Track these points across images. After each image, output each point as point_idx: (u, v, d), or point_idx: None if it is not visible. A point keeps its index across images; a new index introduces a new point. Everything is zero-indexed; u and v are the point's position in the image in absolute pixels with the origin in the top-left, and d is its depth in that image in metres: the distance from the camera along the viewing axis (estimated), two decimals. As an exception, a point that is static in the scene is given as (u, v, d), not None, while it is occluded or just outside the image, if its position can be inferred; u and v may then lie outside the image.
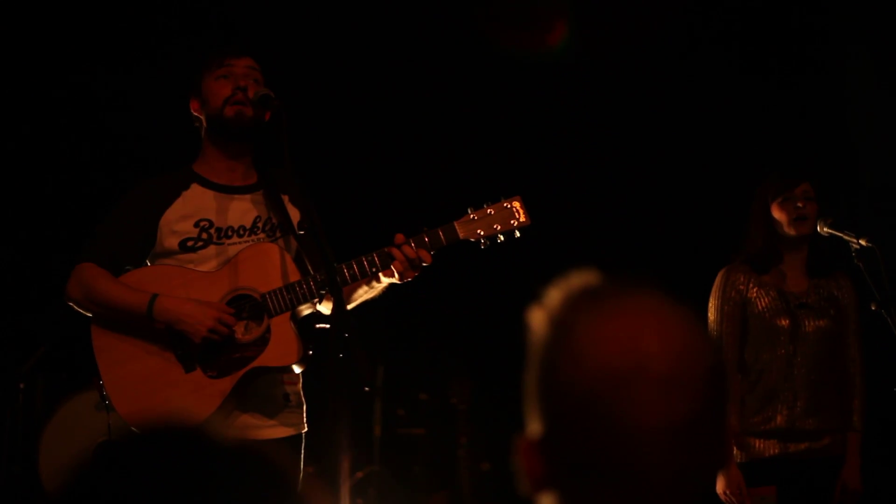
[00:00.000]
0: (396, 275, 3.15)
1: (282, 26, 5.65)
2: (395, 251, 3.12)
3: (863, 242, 3.80)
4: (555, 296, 1.15)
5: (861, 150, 5.60)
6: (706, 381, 1.09)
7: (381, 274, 3.17)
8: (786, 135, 5.70)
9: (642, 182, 5.89)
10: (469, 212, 3.21)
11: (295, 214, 3.31)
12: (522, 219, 3.22)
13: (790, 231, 3.93)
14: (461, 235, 3.19)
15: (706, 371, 1.09)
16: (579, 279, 1.16)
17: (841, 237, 3.87)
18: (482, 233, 3.19)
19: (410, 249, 3.13)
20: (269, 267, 3.16)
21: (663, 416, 1.06)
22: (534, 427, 1.13)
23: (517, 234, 3.23)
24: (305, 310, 3.21)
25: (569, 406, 1.09)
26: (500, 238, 3.22)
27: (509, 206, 3.23)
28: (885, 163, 5.42)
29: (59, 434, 4.73)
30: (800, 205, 3.90)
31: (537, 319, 1.15)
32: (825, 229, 3.89)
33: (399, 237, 3.15)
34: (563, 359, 1.10)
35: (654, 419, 1.06)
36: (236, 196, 3.30)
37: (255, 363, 3.11)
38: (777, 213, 3.94)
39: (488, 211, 3.21)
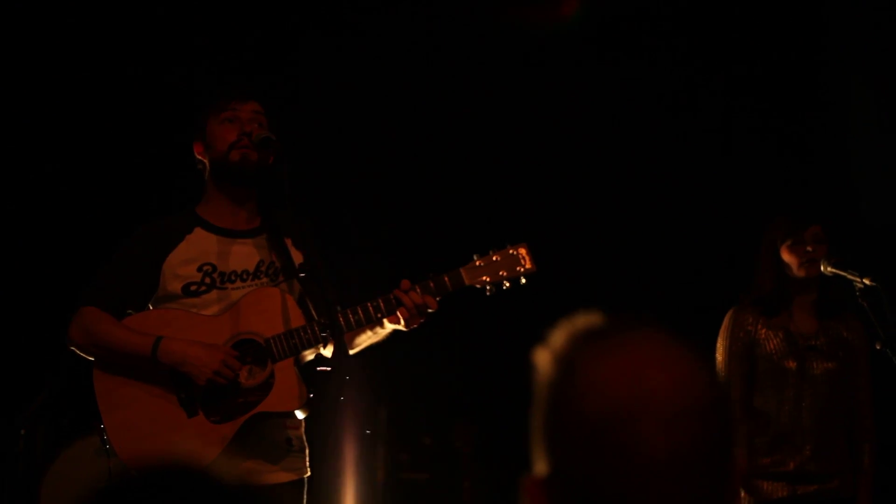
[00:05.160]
0: (402, 321, 3.13)
1: (286, 68, 5.67)
2: (402, 297, 3.11)
3: (866, 282, 3.79)
4: (559, 336, 1.17)
5: (864, 189, 5.60)
6: (709, 414, 1.09)
7: (385, 320, 3.16)
8: (789, 175, 5.71)
9: (648, 224, 5.89)
10: (475, 258, 3.20)
11: (298, 258, 3.28)
12: (528, 266, 3.21)
13: (800, 273, 3.92)
14: (467, 282, 3.19)
15: (709, 405, 1.09)
16: (583, 320, 1.17)
17: (844, 276, 3.86)
18: (488, 279, 3.18)
19: (416, 295, 3.12)
20: (272, 311, 3.15)
21: (668, 451, 1.06)
22: (540, 466, 1.14)
23: (523, 280, 3.22)
24: (309, 354, 3.19)
25: (574, 443, 1.09)
26: (505, 285, 3.20)
27: (515, 252, 3.22)
28: (889, 202, 5.42)
29: (60, 480, 4.70)
30: (809, 248, 3.89)
31: (542, 359, 1.16)
32: (829, 269, 3.88)
33: (405, 283, 3.14)
34: (568, 397, 1.11)
35: (658, 453, 1.06)
36: (239, 240, 3.29)
37: (259, 408, 3.08)
38: (786, 256, 3.94)
39: (494, 258, 3.20)
